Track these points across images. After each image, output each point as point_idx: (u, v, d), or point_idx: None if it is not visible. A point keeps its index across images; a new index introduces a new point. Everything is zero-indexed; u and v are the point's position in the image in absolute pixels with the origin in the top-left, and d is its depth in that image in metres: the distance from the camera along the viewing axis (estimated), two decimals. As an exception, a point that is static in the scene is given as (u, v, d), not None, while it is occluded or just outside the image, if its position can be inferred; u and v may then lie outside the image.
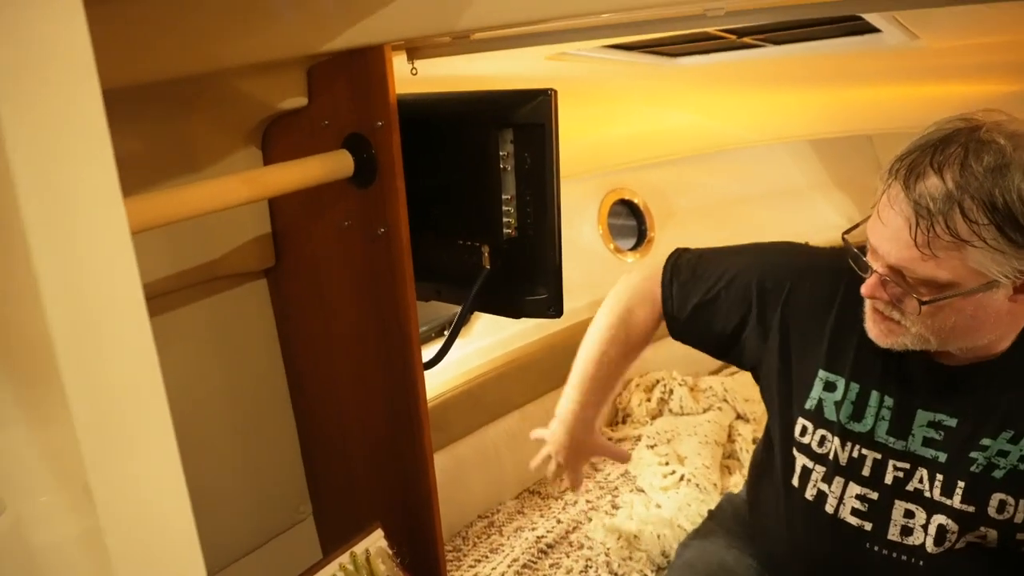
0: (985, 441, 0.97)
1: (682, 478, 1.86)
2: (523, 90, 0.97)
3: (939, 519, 1.00)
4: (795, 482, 1.11)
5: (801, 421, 1.11)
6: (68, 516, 0.45)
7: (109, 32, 0.39)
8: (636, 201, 2.57)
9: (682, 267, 1.24)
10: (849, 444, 1.06)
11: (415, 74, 1.07)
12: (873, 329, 0.98)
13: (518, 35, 1.00)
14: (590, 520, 1.80)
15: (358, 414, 1.25)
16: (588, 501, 1.89)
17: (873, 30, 1.25)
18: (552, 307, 1.05)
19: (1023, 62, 1.76)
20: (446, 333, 2.02)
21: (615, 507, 1.84)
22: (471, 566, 1.66)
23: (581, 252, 2.34)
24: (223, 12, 0.97)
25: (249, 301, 1.33)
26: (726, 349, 1.21)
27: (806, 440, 1.10)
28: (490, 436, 1.92)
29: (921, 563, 1.01)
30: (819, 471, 1.09)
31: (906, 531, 1.02)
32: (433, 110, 1.08)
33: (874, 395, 1.04)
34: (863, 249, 0.96)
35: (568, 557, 1.67)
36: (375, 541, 1.14)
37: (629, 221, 2.64)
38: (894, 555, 1.03)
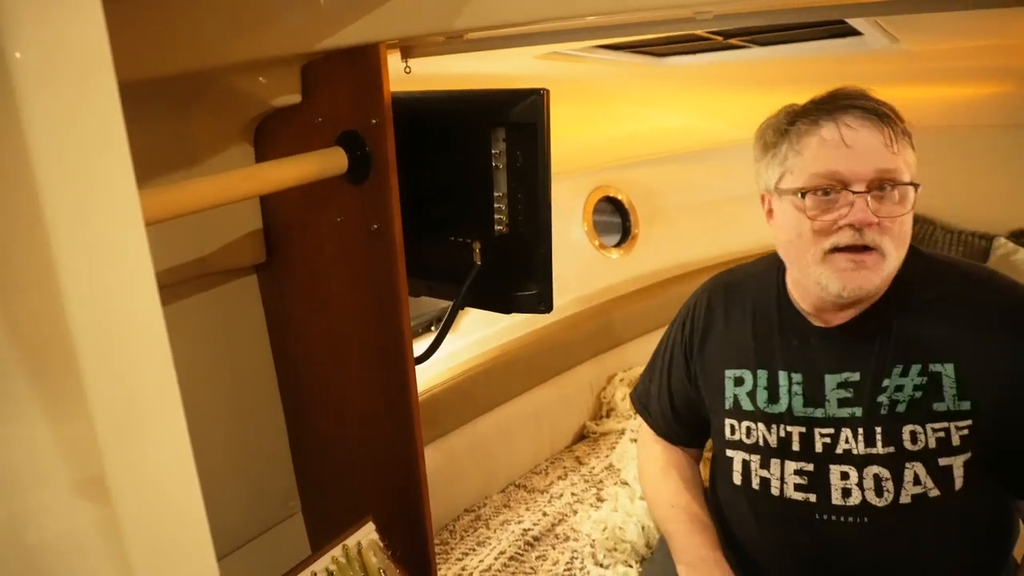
0: (885, 383, 1.04)
1: (666, 472, 1.88)
2: (516, 89, 0.99)
3: (872, 470, 1.04)
4: (738, 480, 1.16)
5: (727, 421, 1.17)
6: (84, 505, 0.47)
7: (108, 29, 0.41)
8: (621, 198, 2.59)
9: (639, 397, 1.39)
10: (773, 426, 1.11)
11: (409, 72, 1.08)
12: (852, 278, 1.00)
13: (510, 35, 1.02)
14: (576, 513, 1.82)
15: (351, 409, 1.26)
16: (573, 494, 1.91)
17: (855, 33, 1.28)
18: (542, 302, 1.07)
19: (1000, 66, 1.81)
20: (434, 328, 2.04)
21: (600, 500, 1.87)
22: (459, 559, 1.68)
23: (567, 248, 2.36)
24: (220, 10, 0.97)
25: (239, 297, 1.33)
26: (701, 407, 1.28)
27: (736, 437, 1.16)
28: (479, 430, 1.94)
29: (866, 519, 1.04)
30: (755, 459, 1.13)
31: (846, 492, 1.05)
32: (427, 108, 1.09)
33: (782, 375, 1.11)
34: (817, 195, 1.01)
35: (554, 549, 1.69)
36: (367, 534, 1.16)
37: (614, 218, 2.66)
38: (842, 519, 1.06)
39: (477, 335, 2.04)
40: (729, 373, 1.17)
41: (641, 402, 1.38)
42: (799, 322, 1.12)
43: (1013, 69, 1.87)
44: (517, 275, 1.08)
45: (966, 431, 1.00)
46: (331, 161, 1.02)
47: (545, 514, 1.83)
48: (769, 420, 1.12)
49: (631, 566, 1.57)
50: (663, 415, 1.33)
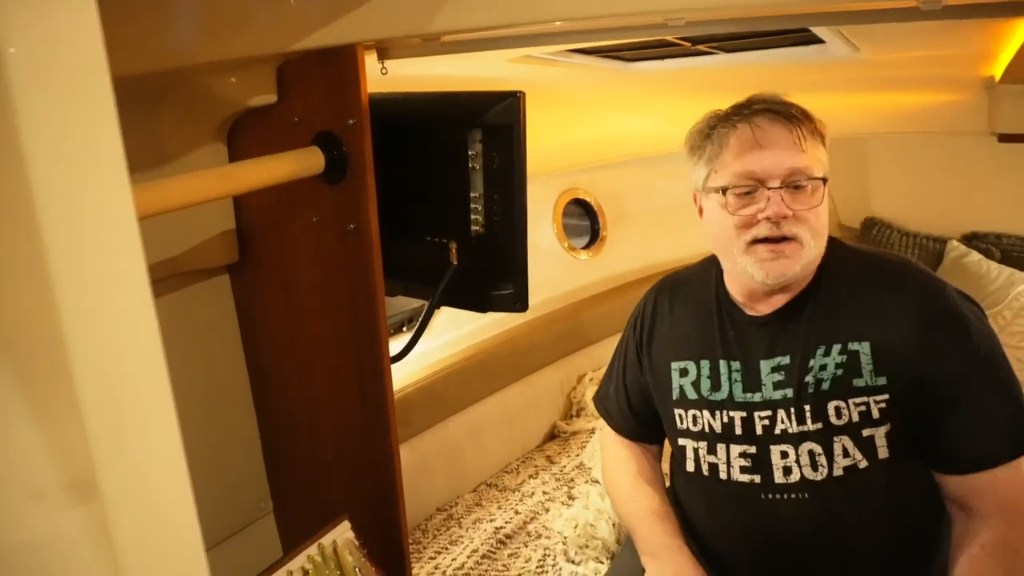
0: (811, 363, 1.12)
1: (635, 469, 1.91)
2: (493, 92, 1.01)
3: (806, 447, 1.11)
4: (690, 468, 1.22)
5: (676, 412, 1.24)
6: (74, 506, 0.47)
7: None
8: (590, 201, 2.62)
9: (600, 399, 1.44)
10: (717, 412, 1.18)
11: (385, 74, 1.09)
12: (772, 266, 1.08)
13: (485, 39, 1.03)
14: (547, 511, 1.84)
15: (325, 409, 1.26)
16: (545, 492, 1.93)
17: (819, 41, 1.32)
18: (518, 301, 1.09)
19: (956, 75, 1.88)
20: (406, 328, 2.04)
21: (571, 498, 1.89)
22: (431, 558, 1.69)
23: (537, 250, 2.37)
24: (192, 10, 0.97)
25: (211, 297, 1.32)
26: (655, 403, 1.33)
27: (684, 426, 1.22)
28: (450, 430, 1.94)
29: (806, 495, 1.11)
30: (703, 446, 1.20)
31: (787, 471, 1.12)
32: (404, 109, 1.10)
33: (723, 364, 1.19)
34: (737, 193, 1.09)
35: (526, 547, 1.71)
36: (342, 533, 1.16)
37: (583, 221, 2.69)
38: (785, 496, 1.12)
39: (448, 336, 2.05)
40: (675, 365, 1.24)
41: (602, 404, 1.43)
42: (735, 313, 1.20)
43: (964, 79, 1.94)
44: (493, 274, 1.09)
45: (884, 404, 1.08)
46: (308, 161, 1.03)
47: (517, 512, 1.84)
48: (713, 407, 1.18)
49: (602, 562, 1.60)
50: (621, 413, 1.37)
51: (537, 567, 1.64)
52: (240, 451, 1.42)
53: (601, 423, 1.45)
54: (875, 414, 1.08)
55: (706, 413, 1.19)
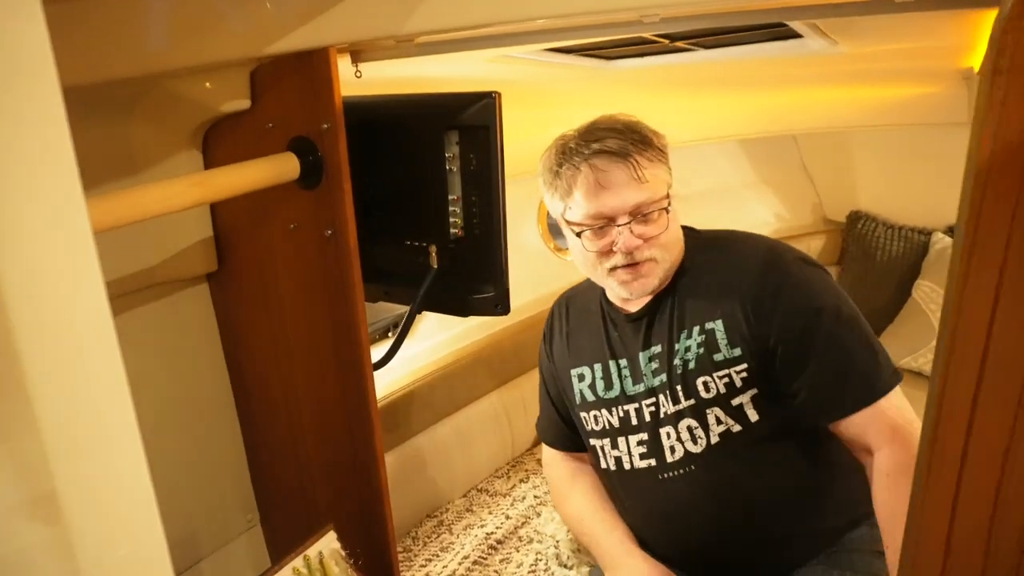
0: (676, 347, 1.23)
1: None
2: (468, 93, 1.00)
3: (685, 423, 1.21)
4: (603, 465, 1.32)
5: (580, 415, 1.34)
6: (34, 524, 0.45)
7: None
8: (575, 201, 2.61)
9: (538, 422, 1.51)
10: (613, 409, 1.29)
11: (359, 76, 1.07)
12: (633, 286, 1.20)
13: (461, 39, 1.02)
14: (539, 515, 1.83)
15: (308, 418, 1.25)
16: (536, 497, 1.92)
17: (796, 36, 1.32)
18: (499, 304, 1.08)
19: (935, 67, 1.88)
20: (390, 334, 2.03)
21: (562, 501, 1.88)
22: (422, 565, 1.67)
23: (522, 251, 2.37)
24: (162, 14, 0.96)
25: (191, 307, 1.31)
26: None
27: (589, 427, 1.33)
28: (438, 435, 1.93)
29: (692, 467, 1.21)
30: (607, 442, 1.30)
31: (672, 450, 1.22)
32: (379, 112, 1.09)
33: (612, 364, 1.29)
34: (592, 230, 1.18)
35: (518, 552, 1.69)
36: (328, 543, 1.14)
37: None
38: (675, 473, 1.22)
39: (434, 340, 2.04)
40: (574, 372, 1.35)
41: (539, 426, 1.51)
42: (615, 315, 1.31)
43: (944, 70, 1.94)
44: (474, 278, 1.08)
45: (744, 373, 1.18)
46: (283, 167, 1.01)
47: (508, 517, 1.83)
48: (609, 405, 1.29)
49: (595, 565, 1.59)
50: (554, 425, 1.44)
51: (529, 572, 1.63)
52: (225, 463, 1.40)
53: (543, 454, 1.51)
54: (738, 383, 1.18)
55: (604, 411, 1.30)
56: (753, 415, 1.18)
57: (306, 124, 1.03)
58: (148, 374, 1.27)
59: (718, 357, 1.19)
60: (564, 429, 1.43)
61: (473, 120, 1.00)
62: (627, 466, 1.27)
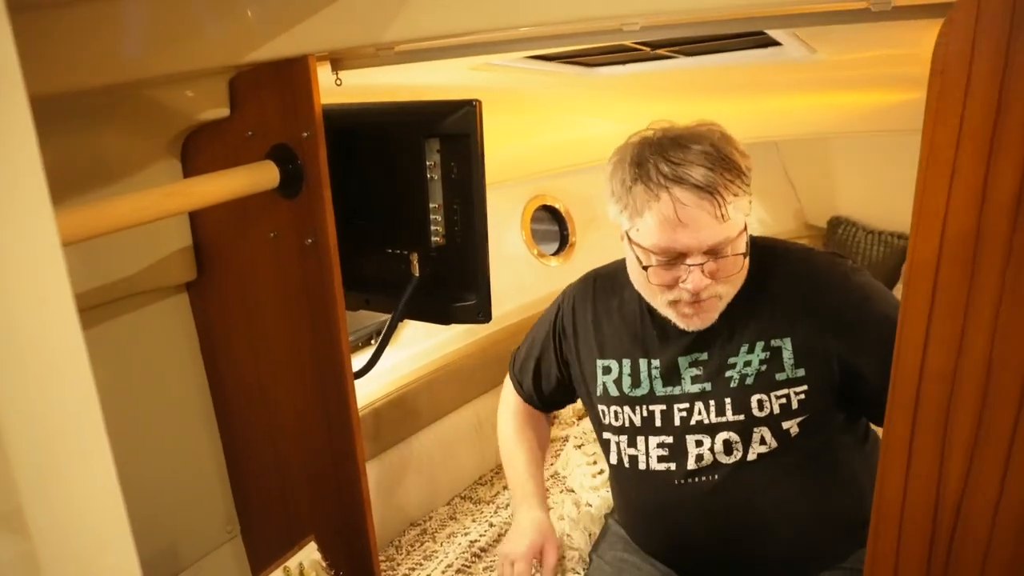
0: (732, 360, 1.18)
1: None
2: (448, 101, 0.99)
3: (721, 436, 1.18)
4: (613, 460, 1.29)
5: (600, 407, 1.30)
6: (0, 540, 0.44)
7: (19, 41, 0.38)
8: (558, 207, 2.62)
9: (515, 362, 1.51)
10: (637, 407, 1.24)
11: (339, 84, 1.07)
12: (692, 321, 1.15)
13: (441, 47, 1.02)
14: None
15: (289, 427, 1.24)
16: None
17: (775, 44, 1.33)
18: (481, 312, 1.07)
19: (913, 73, 1.90)
20: (373, 342, 2.02)
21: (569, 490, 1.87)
22: (405, 574, 1.66)
23: (506, 258, 2.37)
24: (139, 22, 0.95)
25: (170, 316, 1.29)
26: (571, 391, 1.42)
27: (607, 421, 1.28)
28: (422, 443, 1.92)
29: (716, 477, 1.18)
30: (623, 440, 1.26)
31: (699, 458, 1.19)
32: (359, 120, 1.08)
33: (642, 363, 1.25)
34: (662, 263, 1.10)
35: (502, 559, 1.69)
36: (309, 554, 1.13)
37: (552, 226, 2.69)
38: (698, 480, 1.19)
39: (417, 347, 2.03)
40: (600, 363, 1.29)
41: (514, 366, 1.51)
42: (656, 313, 1.23)
43: (922, 77, 1.96)
44: (455, 286, 1.08)
45: (803, 395, 1.15)
46: (262, 175, 1.01)
47: (492, 525, 1.82)
48: (633, 403, 1.24)
49: (578, 572, 1.58)
50: (528, 388, 1.46)
51: (513, 579, 1.62)
52: (205, 473, 1.39)
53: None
54: (794, 405, 1.15)
55: (627, 409, 1.25)
56: (796, 439, 1.15)
57: (286, 132, 1.02)
58: (127, 384, 1.25)
59: (780, 376, 1.15)
60: (534, 399, 1.46)
61: (454, 128, 0.99)
62: (642, 466, 1.24)
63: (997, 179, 0.68)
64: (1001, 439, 0.73)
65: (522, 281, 2.42)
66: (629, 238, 1.14)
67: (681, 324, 1.17)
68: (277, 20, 0.95)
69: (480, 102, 0.98)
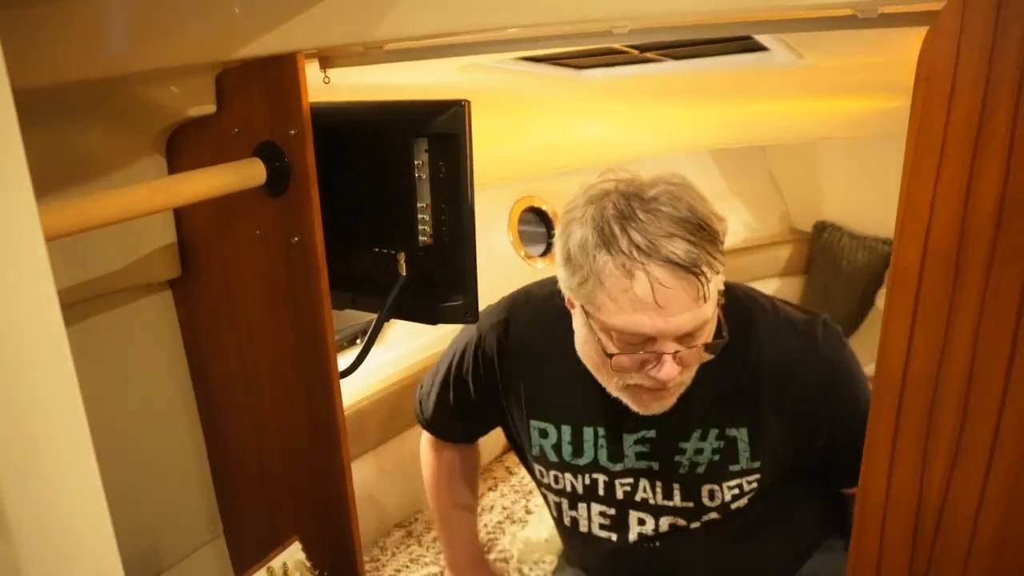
0: (683, 445, 1.09)
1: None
2: (437, 101, 0.99)
3: (667, 519, 1.12)
4: (554, 514, 1.23)
5: (536, 466, 1.20)
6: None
7: (2, 35, 0.38)
8: (545, 209, 2.62)
9: (420, 402, 1.37)
10: (579, 475, 1.16)
11: (327, 83, 1.06)
12: (651, 407, 1.00)
13: (431, 47, 1.02)
14: (503, 532, 1.82)
15: (274, 426, 1.23)
16: (504, 507, 1.91)
17: (763, 49, 1.34)
18: (468, 312, 1.07)
19: (900, 80, 1.92)
20: (359, 341, 2.01)
21: (528, 512, 1.87)
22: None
23: (493, 259, 2.37)
24: (124, 16, 0.94)
25: (153, 314, 1.28)
26: (492, 422, 1.30)
27: (547, 481, 1.20)
28: (408, 443, 1.91)
29: (658, 544, 1.15)
30: (565, 502, 1.19)
31: (643, 536, 1.15)
32: (347, 119, 1.08)
33: (587, 431, 1.13)
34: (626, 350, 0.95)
35: (486, 561, 1.68)
36: (293, 554, 1.13)
37: (539, 228, 2.69)
38: (641, 546, 1.16)
39: (404, 347, 2.03)
40: (534, 424, 1.16)
41: (430, 420, 1.36)
42: (597, 383, 1.08)
43: (908, 84, 1.98)
44: (442, 286, 1.08)
45: (755, 484, 1.09)
46: (248, 173, 1.00)
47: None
48: (576, 471, 1.16)
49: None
50: (452, 427, 1.35)
51: (497, 581, 1.62)
52: (188, 473, 1.38)
53: (423, 442, 1.41)
54: (745, 489, 1.10)
55: (567, 475, 1.16)
56: (743, 511, 1.12)
57: (273, 130, 1.01)
58: (109, 382, 1.24)
59: (734, 467, 1.07)
60: (463, 430, 1.34)
61: (443, 128, 0.99)
62: (584, 529, 1.19)
63: (980, 186, 0.68)
64: (982, 445, 0.74)
65: (509, 282, 2.40)
66: (586, 313, 0.98)
67: (637, 407, 1.02)
68: (265, 16, 0.94)
69: (469, 102, 0.98)
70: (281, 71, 0.98)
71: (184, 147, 1.13)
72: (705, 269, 0.90)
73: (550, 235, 2.67)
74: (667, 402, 1.01)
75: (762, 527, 1.16)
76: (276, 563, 1.11)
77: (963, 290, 0.71)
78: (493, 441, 2.19)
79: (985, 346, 0.71)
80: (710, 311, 0.94)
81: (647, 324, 0.91)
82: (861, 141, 2.79)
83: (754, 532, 1.16)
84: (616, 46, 1.28)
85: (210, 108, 1.06)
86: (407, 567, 1.68)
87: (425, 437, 1.40)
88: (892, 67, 1.64)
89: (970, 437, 0.74)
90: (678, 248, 0.89)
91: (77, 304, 1.16)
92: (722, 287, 0.97)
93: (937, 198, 0.71)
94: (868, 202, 3.00)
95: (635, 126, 2.58)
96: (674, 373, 0.94)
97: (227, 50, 0.98)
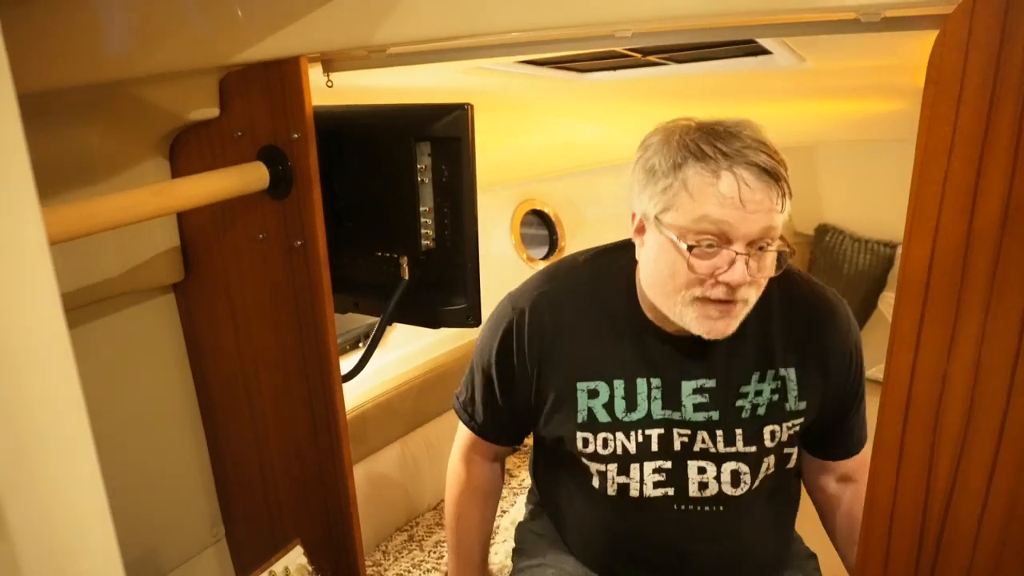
0: (744, 389, 1.12)
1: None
2: (440, 104, 0.99)
3: (730, 466, 1.13)
4: (595, 484, 1.16)
5: (579, 435, 1.14)
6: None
7: (6, 37, 0.38)
8: (547, 211, 2.62)
9: (461, 397, 1.30)
10: (632, 433, 1.13)
11: (331, 86, 1.07)
12: (717, 325, 1.01)
13: (433, 50, 1.02)
14: (504, 542, 1.82)
15: (276, 429, 1.23)
16: (503, 510, 1.91)
17: (766, 52, 1.34)
18: (471, 316, 1.07)
19: (901, 84, 1.92)
20: (361, 344, 2.01)
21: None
22: (391, 579, 1.65)
23: (495, 261, 2.37)
24: (128, 20, 0.94)
25: (156, 317, 1.28)
26: (536, 416, 1.22)
27: (591, 449, 1.14)
28: (409, 447, 1.91)
29: (721, 507, 1.14)
30: (612, 468, 1.14)
31: (703, 485, 1.13)
32: (350, 122, 1.08)
33: (641, 383, 1.12)
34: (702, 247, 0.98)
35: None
36: (295, 559, 1.13)
37: (541, 231, 2.69)
38: (698, 508, 1.14)
39: (405, 350, 2.02)
40: (582, 386, 1.14)
41: (460, 402, 1.30)
42: (653, 329, 1.11)
43: (909, 87, 1.99)
44: (445, 290, 1.08)
45: (798, 427, 1.14)
46: (251, 176, 1.00)
47: (478, 529, 1.81)
48: (628, 428, 1.12)
49: None
50: (502, 426, 1.27)
51: (499, 585, 1.61)
52: (190, 476, 1.38)
53: (459, 444, 1.34)
54: (795, 435, 1.14)
55: (619, 435, 1.13)
56: (789, 464, 1.18)
57: (276, 133, 1.01)
58: (112, 385, 1.24)
59: (788, 407, 1.12)
60: (512, 429, 1.27)
61: (445, 132, 0.99)
62: (634, 493, 1.14)
63: (986, 188, 0.69)
64: (988, 440, 0.75)
65: (511, 285, 2.41)
66: (659, 222, 1.01)
67: (702, 329, 1.02)
68: (268, 20, 0.94)
69: (472, 106, 0.98)
70: (284, 75, 0.98)
71: (187, 150, 1.13)
72: (784, 178, 0.98)
73: (552, 238, 2.67)
74: (731, 322, 1.01)
75: (785, 495, 1.24)
76: (278, 567, 1.11)
77: (970, 289, 0.72)
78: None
79: (991, 344, 0.72)
80: (781, 223, 0.99)
81: (730, 216, 0.96)
82: (863, 144, 2.79)
83: (780, 499, 1.23)
84: (619, 50, 1.28)
85: (213, 112, 1.06)
86: (409, 572, 1.67)
87: (458, 452, 1.34)
88: (894, 71, 1.64)
89: (975, 433, 0.75)
90: (761, 158, 0.97)
91: (80, 307, 1.16)
92: (789, 217, 1.03)
93: (945, 199, 0.72)
94: (870, 205, 3.00)
95: (638, 129, 2.58)
96: (746, 278, 0.97)
97: (230, 54, 0.98)
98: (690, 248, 0.98)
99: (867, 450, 1.21)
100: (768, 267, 1.00)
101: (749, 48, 1.34)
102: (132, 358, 1.27)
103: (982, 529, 0.78)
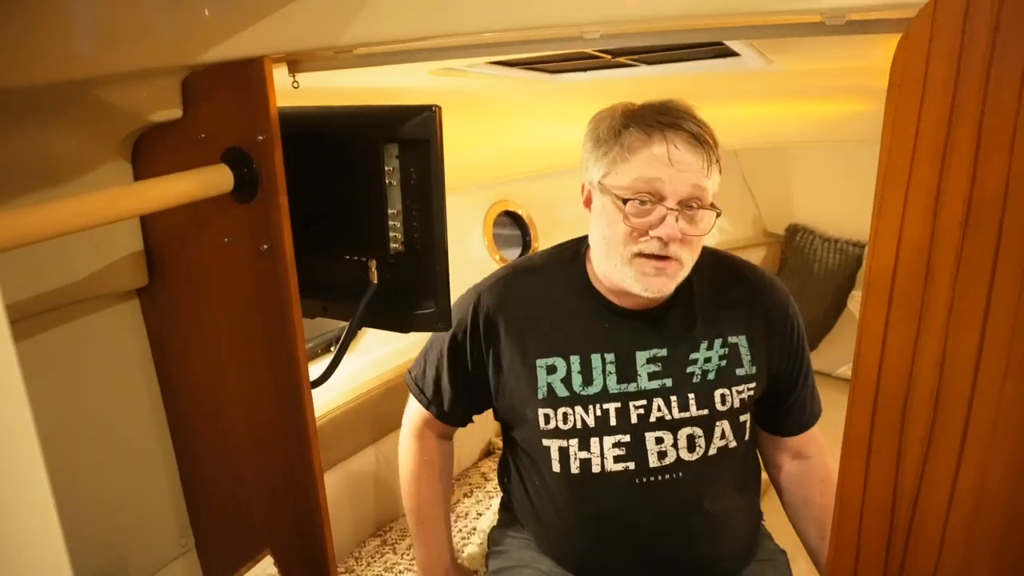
0: (693, 356, 1.20)
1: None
2: (408, 106, 0.98)
3: (685, 431, 1.19)
4: (556, 468, 1.22)
5: (541, 411, 1.22)
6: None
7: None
8: (520, 212, 2.62)
9: (413, 372, 1.38)
10: (590, 406, 1.20)
11: (296, 87, 1.05)
12: (653, 282, 1.13)
13: (401, 51, 1.01)
14: (473, 536, 1.81)
15: (245, 436, 1.21)
16: (479, 513, 1.90)
17: (734, 54, 1.35)
18: (440, 320, 1.06)
19: (868, 85, 1.95)
20: (332, 349, 1.99)
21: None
22: (365, 585, 1.64)
23: (468, 263, 2.36)
24: (88, 18, 0.92)
25: (119, 323, 1.25)
26: (487, 396, 1.30)
27: (551, 426, 1.21)
28: (382, 451, 1.90)
29: (680, 474, 1.19)
30: (573, 444, 1.20)
31: (661, 455, 1.19)
32: (317, 124, 1.06)
33: (595, 358, 1.20)
34: (638, 202, 1.11)
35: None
36: (265, 568, 1.11)
37: (514, 231, 2.69)
38: (658, 478, 1.19)
39: (378, 353, 2.01)
40: (541, 362, 1.22)
41: (412, 379, 1.38)
42: (605, 305, 1.22)
43: (877, 89, 2.01)
44: (414, 293, 1.07)
45: (752, 392, 1.22)
46: (215, 179, 0.98)
47: (454, 534, 1.80)
48: (585, 402, 1.20)
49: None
50: (461, 407, 1.34)
51: (474, 588, 1.61)
52: (158, 486, 1.35)
53: (410, 405, 1.39)
54: (747, 401, 1.21)
55: (579, 409, 1.20)
56: (747, 433, 1.24)
57: (240, 135, 1.00)
58: (75, 394, 1.21)
59: (740, 372, 1.21)
60: (460, 409, 1.34)
61: (413, 134, 0.98)
62: (596, 468, 1.19)
63: (949, 189, 0.70)
64: (954, 436, 0.77)
65: (484, 287, 2.41)
66: (602, 187, 1.14)
67: (639, 286, 1.13)
68: (233, 20, 0.93)
69: (440, 107, 0.97)
70: (248, 75, 0.96)
71: (150, 152, 1.11)
72: (710, 146, 1.11)
73: (526, 239, 2.66)
74: (667, 281, 1.13)
75: (747, 464, 1.29)
76: (247, 577, 1.09)
77: (934, 288, 0.74)
78: (469, 447, 2.17)
79: (955, 341, 0.74)
80: (710, 188, 1.11)
81: (660, 175, 1.09)
82: (832, 144, 2.82)
83: (743, 467, 1.28)
84: (588, 51, 1.28)
85: (176, 113, 1.04)
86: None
87: (409, 428, 1.40)
88: (860, 72, 1.66)
89: (942, 429, 0.77)
90: (690, 125, 1.10)
91: (41, 314, 1.13)
92: (717, 187, 1.14)
93: (909, 200, 0.73)
94: (839, 205, 3.04)
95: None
96: (676, 234, 1.09)
97: (194, 53, 0.96)
98: (625, 202, 1.11)
99: (818, 428, 1.32)
100: (700, 227, 1.12)
101: (717, 50, 1.35)
102: (95, 365, 1.24)
103: (948, 526, 0.79)
